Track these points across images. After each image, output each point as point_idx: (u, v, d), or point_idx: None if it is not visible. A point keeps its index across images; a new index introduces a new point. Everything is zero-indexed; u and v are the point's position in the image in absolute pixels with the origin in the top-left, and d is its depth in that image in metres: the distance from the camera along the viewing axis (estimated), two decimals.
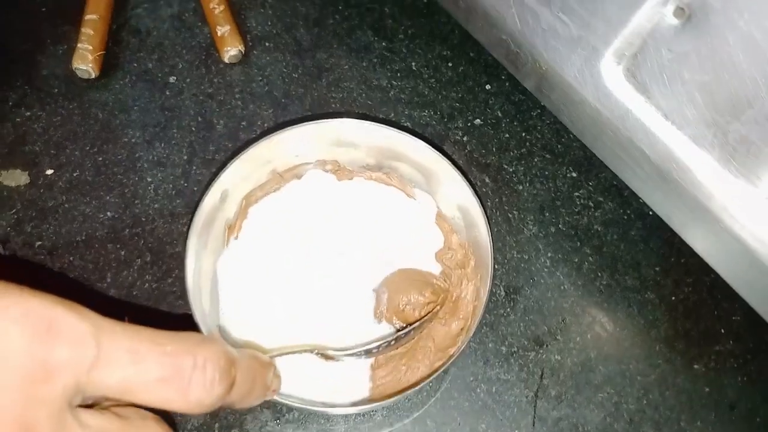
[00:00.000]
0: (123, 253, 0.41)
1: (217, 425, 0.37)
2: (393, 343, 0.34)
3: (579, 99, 0.36)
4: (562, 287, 0.42)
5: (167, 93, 0.47)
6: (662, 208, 0.37)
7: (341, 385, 0.35)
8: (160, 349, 0.21)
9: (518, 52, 0.38)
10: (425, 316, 0.36)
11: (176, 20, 0.50)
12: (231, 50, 0.47)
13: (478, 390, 0.39)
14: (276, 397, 0.29)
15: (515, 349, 0.40)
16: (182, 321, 0.32)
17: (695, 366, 0.41)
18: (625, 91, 0.35)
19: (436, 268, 0.39)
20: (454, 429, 0.38)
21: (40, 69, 0.48)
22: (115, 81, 0.47)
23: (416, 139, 0.37)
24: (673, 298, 0.42)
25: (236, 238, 0.39)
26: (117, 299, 0.39)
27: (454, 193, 0.37)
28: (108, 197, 0.43)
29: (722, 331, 0.42)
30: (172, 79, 0.48)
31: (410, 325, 0.35)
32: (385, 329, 0.37)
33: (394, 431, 0.38)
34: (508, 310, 0.41)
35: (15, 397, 0.19)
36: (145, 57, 0.49)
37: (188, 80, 0.48)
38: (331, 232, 0.39)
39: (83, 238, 0.42)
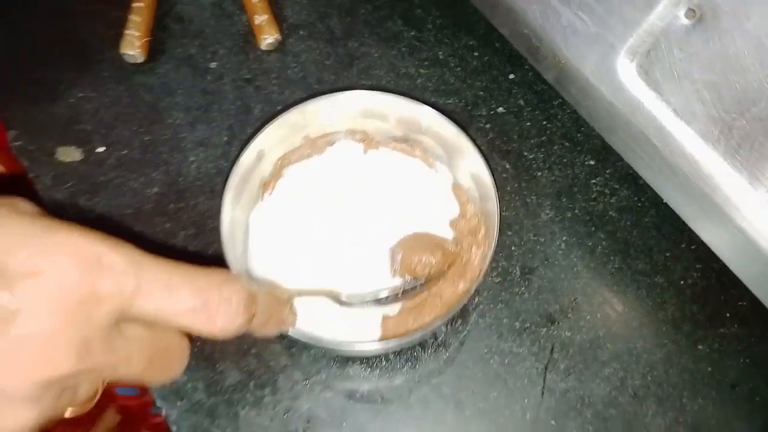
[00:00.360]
0: (168, 225, 0.45)
1: (252, 383, 0.40)
2: (400, 295, 0.38)
3: (595, 93, 0.39)
4: (575, 269, 0.45)
5: (208, 78, 0.50)
6: (672, 199, 0.39)
7: (353, 331, 0.38)
8: (192, 284, 0.26)
9: (539, 46, 0.41)
10: (433, 274, 0.39)
11: (217, 8, 0.53)
12: (268, 38, 0.50)
13: (492, 361, 0.42)
14: (295, 335, 0.34)
15: (528, 325, 0.43)
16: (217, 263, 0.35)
17: (699, 347, 0.43)
18: (638, 86, 0.37)
19: (449, 234, 0.42)
20: (468, 396, 0.41)
21: (91, 53, 0.51)
22: (161, 66, 0.51)
23: (440, 114, 0.40)
24: (682, 282, 0.45)
25: (270, 194, 0.42)
26: None
27: (471, 167, 0.40)
28: (154, 174, 0.47)
29: (728, 315, 0.44)
30: (213, 64, 0.51)
31: (418, 281, 0.38)
32: (397, 284, 0.40)
33: (414, 397, 0.41)
34: (523, 288, 0.44)
35: (73, 319, 0.23)
36: (187, 43, 0.52)
37: (228, 66, 0.51)
38: (355, 195, 0.43)
39: (131, 211, 0.45)
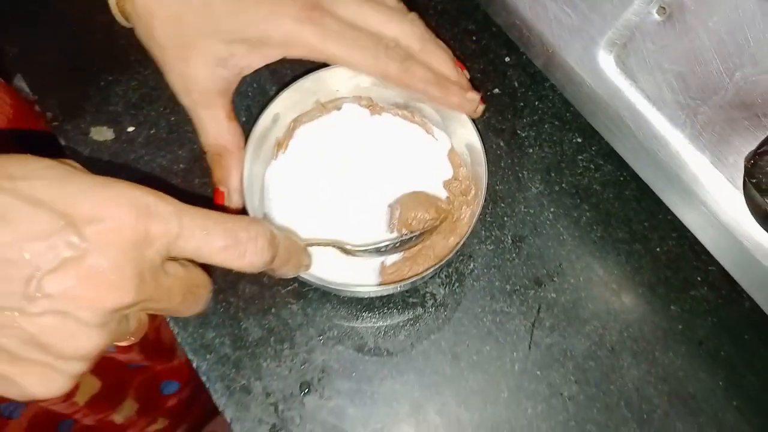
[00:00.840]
0: (192, 200, 0.50)
1: (272, 338, 0.46)
2: (398, 245, 0.43)
3: (578, 79, 0.43)
4: (561, 237, 0.49)
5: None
6: (646, 175, 0.44)
7: (355, 276, 0.44)
8: (224, 226, 0.31)
9: (529, 36, 0.45)
10: (427, 228, 0.44)
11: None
12: None
13: (485, 320, 0.47)
14: (305, 276, 0.40)
15: (517, 288, 0.48)
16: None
17: (672, 308, 0.48)
18: (616, 75, 0.41)
19: (442, 194, 0.47)
20: (463, 350, 0.46)
21: (117, 38, 0.56)
22: None
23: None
24: (658, 249, 0.49)
25: (283, 153, 0.48)
26: None
27: (465, 134, 0.45)
28: (180, 152, 0.51)
29: (698, 279, 0.48)
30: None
31: (413, 233, 0.44)
32: (395, 236, 0.45)
33: (416, 350, 0.46)
34: (514, 255, 0.49)
35: (131, 256, 0.28)
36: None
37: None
38: (359, 155, 0.48)
39: (161, 186, 0.50)
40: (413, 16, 0.44)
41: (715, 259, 0.47)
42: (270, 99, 0.45)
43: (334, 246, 0.43)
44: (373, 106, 0.49)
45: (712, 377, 0.46)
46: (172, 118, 0.52)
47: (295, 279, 0.43)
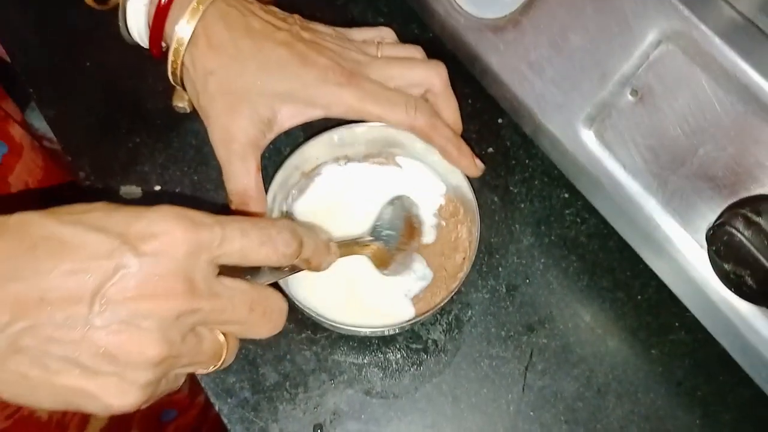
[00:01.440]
0: None
1: (287, 383, 0.50)
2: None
3: (562, 148, 0.48)
4: (551, 286, 0.54)
5: None
6: (624, 232, 0.49)
7: (383, 309, 0.50)
8: (257, 226, 0.34)
9: (518, 107, 0.50)
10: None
11: None
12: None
13: (482, 364, 0.52)
14: (321, 318, 0.46)
15: (512, 333, 0.52)
16: None
17: (653, 351, 0.52)
18: (595, 146, 0.46)
19: (434, 221, 0.53)
20: (462, 392, 0.51)
21: (144, 103, 0.61)
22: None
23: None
24: (639, 297, 0.54)
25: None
26: None
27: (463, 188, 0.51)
28: (202, 208, 0.56)
29: (677, 324, 0.53)
30: None
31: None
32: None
33: (419, 393, 0.50)
34: (508, 303, 0.54)
35: (182, 266, 0.31)
36: None
37: None
38: (364, 193, 0.54)
39: None
40: (437, 62, 0.51)
41: None
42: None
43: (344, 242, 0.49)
44: (349, 161, 0.55)
45: (690, 416, 0.50)
46: (195, 178, 0.57)
47: (308, 326, 0.48)
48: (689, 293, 0.46)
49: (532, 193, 0.57)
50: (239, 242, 0.33)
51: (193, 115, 0.60)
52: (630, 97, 0.43)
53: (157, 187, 0.57)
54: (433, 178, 0.54)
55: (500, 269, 0.55)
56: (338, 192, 0.54)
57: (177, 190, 0.57)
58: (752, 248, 0.36)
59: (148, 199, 0.56)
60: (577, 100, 0.46)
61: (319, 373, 0.51)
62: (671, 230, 0.44)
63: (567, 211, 0.57)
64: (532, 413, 0.50)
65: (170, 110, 0.60)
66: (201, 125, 0.59)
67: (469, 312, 0.53)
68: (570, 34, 0.45)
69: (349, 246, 0.48)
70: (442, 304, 0.46)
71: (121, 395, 0.30)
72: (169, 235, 0.31)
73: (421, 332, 0.53)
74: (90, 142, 0.59)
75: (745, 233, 0.36)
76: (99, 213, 0.31)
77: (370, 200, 0.53)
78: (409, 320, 0.46)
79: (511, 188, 0.58)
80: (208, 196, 0.57)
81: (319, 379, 0.51)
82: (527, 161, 0.58)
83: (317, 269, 0.41)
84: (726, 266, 0.37)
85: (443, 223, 0.53)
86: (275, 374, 0.51)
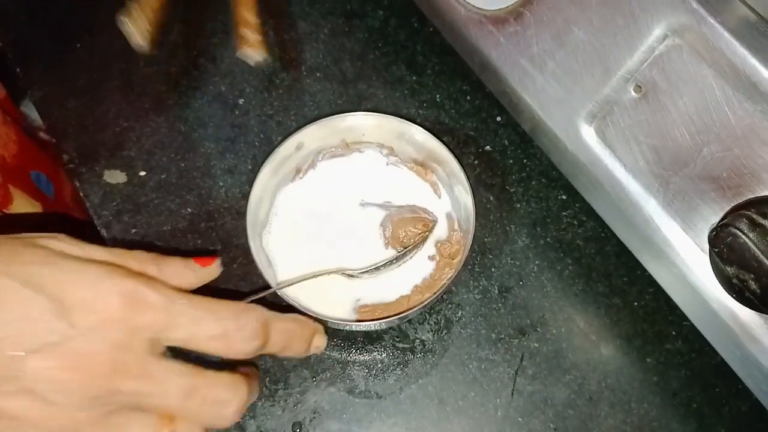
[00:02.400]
0: (199, 242, 0.53)
1: (267, 378, 0.48)
2: (395, 262, 0.48)
3: (561, 146, 0.46)
4: (545, 289, 0.52)
5: (236, 113, 0.58)
6: (623, 235, 0.47)
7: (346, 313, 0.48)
8: (214, 315, 0.32)
9: (518, 103, 0.48)
10: (418, 241, 0.49)
11: None
12: (250, 53, 0.53)
13: (470, 366, 0.50)
14: (306, 311, 0.42)
15: (502, 336, 0.51)
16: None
17: (648, 360, 0.50)
18: (596, 144, 0.44)
19: (432, 251, 0.50)
20: (449, 395, 0.49)
21: (134, 87, 0.59)
22: (195, 101, 0.58)
23: (449, 151, 0.48)
24: (635, 303, 0.52)
25: (300, 178, 0.52)
26: None
27: (464, 200, 0.48)
28: (188, 196, 0.54)
29: (673, 333, 0.51)
30: (240, 101, 0.59)
31: (406, 248, 0.49)
32: (390, 253, 0.49)
33: (404, 394, 0.49)
34: (500, 305, 0.52)
35: (115, 345, 0.29)
36: (219, 81, 0.60)
37: (253, 103, 0.59)
38: (369, 197, 0.52)
39: (168, 228, 0.53)
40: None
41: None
42: (274, 148, 0.48)
43: (337, 273, 0.47)
44: (392, 156, 0.53)
45: (685, 427, 0.48)
46: (182, 165, 0.56)
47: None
48: (688, 300, 0.44)
49: (529, 194, 0.56)
50: (187, 330, 0.31)
51: (183, 101, 0.58)
52: (633, 94, 0.42)
53: (142, 173, 0.55)
54: (454, 209, 0.52)
55: (493, 270, 0.53)
56: (364, 180, 0.53)
57: (163, 177, 0.55)
58: (757, 251, 0.34)
59: (133, 185, 0.55)
60: (579, 96, 0.44)
61: (300, 369, 0.49)
62: (672, 233, 0.42)
63: (564, 213, 0.55)
64: (520, 419, 0.48)
65: (160, 95, 0.59)
66: (190, 111, 0.58)
67: (459, 312, 0.52)
68: (573, 27, 0.43)
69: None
70: (432, 298, 0.44)
71: None
72: (106, 311, 0.29)
73: (408, 331, 0.51)
74: (76, 125, 0.57)
75: (750, 235, 0.34)
76: (37, 267, 0.29)
77: (383, 205, 0.51)
78: (393, 315, 0.45)
79: (508, 188, 0.56)
80: (194, 183, 0.55)
81: (301, 375, 0.49)
82: (525, 161, 0.57)
83: (296, 356, 0.39)
84: (728, 270, 0.36)
85: (438, 259, 0.50)
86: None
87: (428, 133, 0.49)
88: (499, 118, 0.58)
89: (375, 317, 0.47)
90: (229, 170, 0.56)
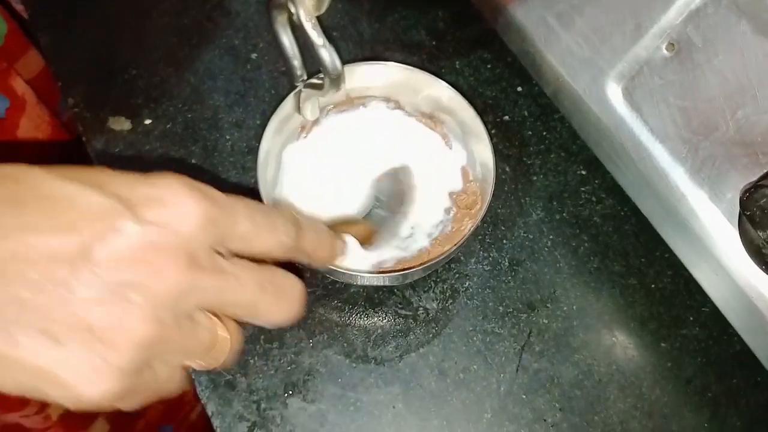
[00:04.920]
0: None
1: (262, 337, 0.46)
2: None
3: (585, 109, 0.44)
4: (558, 265, 0.50)
5: (248, 67, 0.56)
6: (645, 207, 0.45)
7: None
8: (263, 212, 0.30)
9: (541, 64, 0.46)
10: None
11: (261, 6, 0.59)
12: None
13: (475, 338, 0.47)
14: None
15: (510, 310, 0.48)
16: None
17: (662, 344, 0.48)
18: (622, 106, 0.42)
19: (447, 203, 0.48)
20: (451, 366, 0.46)
21: (144, 37, 0.58)
22: (207, 53, 0.57)
23: (463, 98, 0.46)
24: (653, 285, 0.50)
25: (305, 136, 0.50)
26: None
27: (481, 151, 0.46)
28: (193, 148, 0.53)
29: (691, 318, 0.49)
30: (253, 55, 0.57)
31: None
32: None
33: (404, 362, 0.46)
34: (509, 278, 0.49)
35: (188, 240, 0.26)
36: (232, 35, 0.58)
37: (266, 58, 0.57)
38: (376, 152, 0.50)
39: None
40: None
41: (708, 299, 0.48)
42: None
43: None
44: (398, 108, 0.51)
45: (698, 417, 0.46)
46: (189, 116, 0.54)
47: None
48: (711, 277, 0.42)
49: (547, 167, 0.53)
50: (246, 226, 0.29)
51: (194, 53, 0.57)
52: (666, 52, 0.39)
53: (148, 121, 0.54)
54: (469, 162, 0.49)
55: (505, 242, 0.51)
56: (370, 134, 0.50)
57: (168, 126, 0.53)
58: None
59: (137, 133, 0.53)
60: (607, 55, 0.42)
61: (297, 330, 0.47)
62: (698, 203, 0.40)
63: (582, 189, 0.53)
64: (524, 396, 0.46)
65: (172, 47, 0.57)
66: (200, 63, 0.56)
67: (467, 283, 0.49)
68: None
69: (335, 226, 0.44)
70: (455, 249, 0.42)
71: (95, 380, 0.25)
72: (178, 204, 0.26)
73: (412, 298, 0.49)
74: (84, 70, 0.56)
75: None
76: (100, 173, 0.27)
77: (392, 160, 0.50)
78: (417, 266, 0.42)
79: (525, 159, 0.54)
80: (199, 135, 0.53)
81: (297, 336, 0.47)
82: (545, 133, 0.54)
83: (319, 263, 0.36)
84: (759, 235, 0.33)
85: (455, 210, 0.48)
86: (251, 327, 0.47)
87: (435, 77, 0.47)
88: (520, 89, 0.56)
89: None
90: (237, 124, 0.54)
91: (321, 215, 0.47)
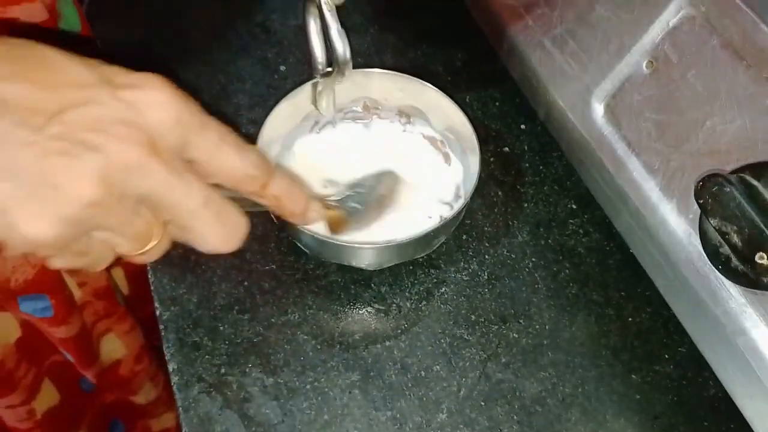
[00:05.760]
0: None
1: (236, 308, 0.47)
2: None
3: (571, 126, 0.46)
4: (536, 285, 0.50)
5: (275, 77, 0.61)
6: (620, 224, 0.45)
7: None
8: (234, 136, 0.32)
9: (537, 86, 0.49)
10: None
11: (298, 29, 0.65)
12: None
13: (442, 341, 0.47)
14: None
15: (482, 320, 0.48)
16: None
17: (633, 376, 0.47)
18: (604, 122, 0.44)
19: (437, 211, 0.50)
20: (414, 362, 0.46)
21: (186, 37, 0.64)
22: (241, 60, 0.62)
23: (467, 120, 0.50)
24: (630, 319, 0.49)
25: (318, 132, 0.54)
26: None
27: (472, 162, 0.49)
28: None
29: (666, 356, 0.47)
30: (282, 67, 0.62)
31: None
32: None
33: (368, 352, 0.46)
34: (486, 290, 0.50)
35: (154, 126, 0.28)
36: (267, 48, 0.63)
37: (293, 71, 0.62)
38: (377, 157, 0.53)
39: None
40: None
41: (686, 341, 0.47)
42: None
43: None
44: (408, 124, 0.55)
45: None
46: (213, 109, 0.58)
47: (275, 259, 0.48)
48: (677, 289, 0.42)
49: (539, 197, 0.55)
50: (215, 138, 0.31)
51: (230, 59, 0.62)
52: (645, 69, 0.42)
53: None
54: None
55: (487, 257, 0.52)
56: (378, 144, 0.54)
57: None
58: (741, 199, 0.32)
59: None
60: (593, 73, 0.44)
61: (271, 306, 0.48)
62: (668, 214, 0.41)
63: (571, 221, 0.54)
64: (483, 403, 0.45)
65: (210, 50, 0.63)
66: (233, 67, 0.62)
67: (443, 288, 0.50)
68: (596, 5, 0.44)
69: None
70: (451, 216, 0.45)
71: (38, 222, 0.27)
72: (156, 96, 0.29)
73: (387, 295, 0.49)
74: (127, 58, 0.61)
75: (737, 186, 0.33)
76: (97, 61, 0.30)
77: (392, 166, 0.52)
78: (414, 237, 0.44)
79: (518, 187, 0.55)
80: None
81: (269, 312, 0.48)
82: (541, 167, 0.56)
83: (291, 217, 0.37)
84: (712, 223, 0.34)
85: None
86: (226, 296, 0.48)
87: (443, 94, 0.51)
88: (523, 126, 0.59)
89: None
90: (255, 121, 0.58)
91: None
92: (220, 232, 0.31)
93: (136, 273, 0.75)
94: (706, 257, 0.37)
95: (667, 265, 0.41)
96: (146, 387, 0.84)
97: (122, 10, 0.65)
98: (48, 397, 0.72)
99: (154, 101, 0.29)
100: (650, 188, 0.41)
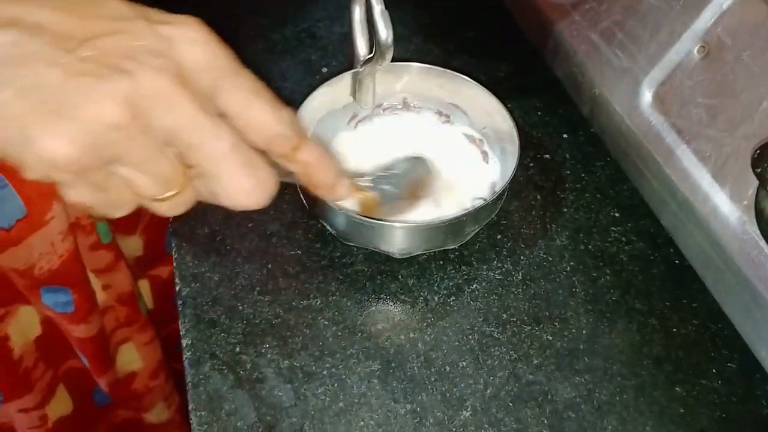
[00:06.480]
0: None
1: (257, 289, 0.46)
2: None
3: (617, 118, 0.44)
4: (573, 289, 0.47)
5: (316, 77, 0.62)
6: (667, 219, 0.43)
7: None
8: (269, 92, 0.30)
9: (582, 81, 0.48)
10: None
11: (343, 36, 0.66)
12: None
13: (470, 337, 0.45)
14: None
15: (514, 319, 0.46)
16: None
17: (677, 388, 0.43)
18: (652, 111, 0.42)
19: (467, 203, 0.49)
20: (438, 356, 0.43)
21: (238, 39, 0.65)
22: (285, 61, 0.63)
23: (511, 121, 0.49)
24: (674, 330, 0.45)
25: (355, 128, 0.54)
26: None
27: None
28: None
29: (713, 370, 0.44)
30: (324, 69, 0.62)
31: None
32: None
33: (390, 342, 0.44)
34: (520, 290, 0.47)
35: (187, 65, 0.28)
36: (312, 52, 0.64)
37: (335, 73, 0.62)
38: (412, 151, 0.52)
39: None
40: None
41: (735, 356, 0.44)
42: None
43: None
44: (447, 121, 0.54)
45: None
46: None
47: (301, 244, 0.48)
48: (730, 286, 0.38)
49: (579, 203, 0.52)
50: (248, 88, 0.30)
51: (276, 59, 0.63)
52: (697, 55, 0.40)
53: None
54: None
55: (522, 258, 0.49)
56: (417, 139, 0.53)
57: None
58: None
59: None
60: (642, 62, 0.43)
61: (292, 290, 0.46)
62: (719, 202, 0.38)
63: (613, 228, 0.51)
64: (511, 404, 0.42)
65: (256, 51, 0.64)
66: (277, 67, 0.62)
67: (474, 285, 0.47)
68: None
69: None
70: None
71: (55, 138, 0.26)
72: (191, 31, 0.29)
73: (414, 287, 0.47)
74: None
75: None
76: (140, 4, 0.30)
77: (429, 160, 0.51)
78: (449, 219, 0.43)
79: (558, 193, 0.53)
80: None
81: (290, 295, 0.46)
82: (583, 175, 0.54)
83: (319, 189, 0.35)
84: None
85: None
86: (248, 278, 0.47)
87: (486, 91, 0.50)
88: (565, 135, 0.57)
89: None
90: None
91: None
92: (246, 184, 0.29)
93: (162, 287, 0.74)
94: (761, 245, 0.34)
95: (719, 256, 0.38)
96: (159, 406, 0.81)
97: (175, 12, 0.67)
98: (61, 403, 0.70)
99: (190, 39, 0.28)
100: (701, 176, 0.39)
